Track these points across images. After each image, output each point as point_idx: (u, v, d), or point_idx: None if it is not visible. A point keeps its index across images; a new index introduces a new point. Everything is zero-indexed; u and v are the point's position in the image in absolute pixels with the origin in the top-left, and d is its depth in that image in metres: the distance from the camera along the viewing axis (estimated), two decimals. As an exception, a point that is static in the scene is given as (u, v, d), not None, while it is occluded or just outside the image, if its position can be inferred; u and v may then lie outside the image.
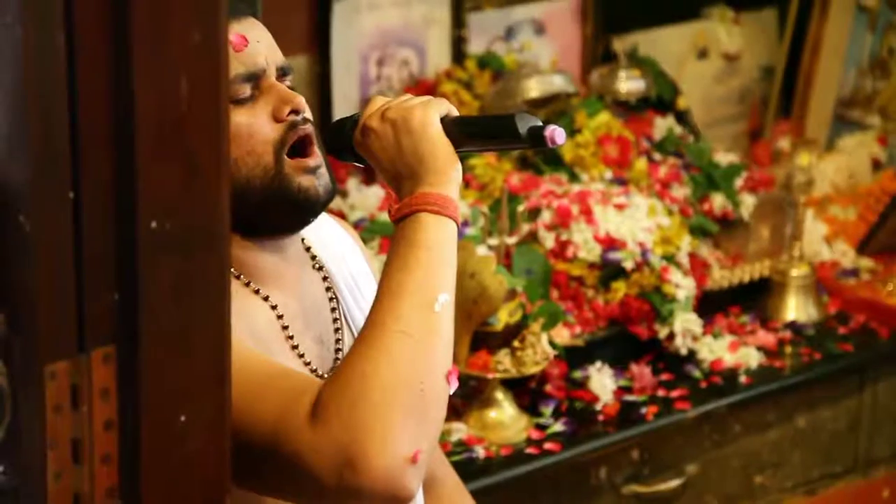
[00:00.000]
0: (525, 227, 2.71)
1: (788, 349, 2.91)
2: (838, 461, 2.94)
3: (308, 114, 1.68)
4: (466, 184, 2.84)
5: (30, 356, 1.19)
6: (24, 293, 1.18)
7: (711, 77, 3.48)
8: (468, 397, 2.59)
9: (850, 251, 3.20)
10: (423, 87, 3.01)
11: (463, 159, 1.63)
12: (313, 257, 1.79)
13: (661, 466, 2.69)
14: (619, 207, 2.79)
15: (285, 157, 1.65)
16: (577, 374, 2.72)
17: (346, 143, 1.67)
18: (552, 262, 2.73)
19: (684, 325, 2.75)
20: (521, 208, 2.67)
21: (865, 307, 3.04)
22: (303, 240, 1.77)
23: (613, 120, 3.01)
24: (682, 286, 2.74)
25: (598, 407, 2.65)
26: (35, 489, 1.21)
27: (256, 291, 1.67)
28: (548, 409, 2.63)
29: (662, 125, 3.12)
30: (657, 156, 3.05)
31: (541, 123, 1.60)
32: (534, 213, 2.77)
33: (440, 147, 1.60)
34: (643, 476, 2.67)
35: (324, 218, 1.83)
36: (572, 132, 2.96)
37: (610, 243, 2.73)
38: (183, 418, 1.24)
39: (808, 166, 3.02)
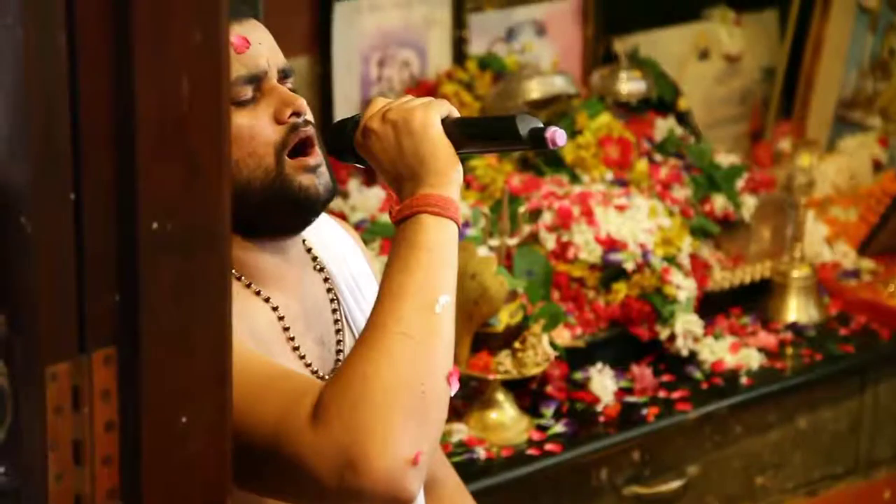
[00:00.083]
0: (526, 229, 2.71)
1: (789, 350, 2.91)
2: (839, 462, 2.94)
3: (309, 116, 1.68)
4: (467, 185, 2.84)
5: (31, 357, 1.19)
6: (25, 294, 1.18)
7: (712, 78, 3.48)
8: (469, 398, 2.59)
9: (851, 252, 3.20)
10: (424, 88, 3.01)
11: (464, 160, 1.63)
12: (314, 258, 1.79)
13: (662, 467, 2.68)
14: (620, 209, 2.79)
15: (286, 157, 1.65)
16: (578, 376, 2.72)
17: (346, 144, 1.68)
18: (553, 263, 2.73)
19: (685, 327, 2.75)
20: (522, 209, 2.67)
21: (866, 308, 3.04)
22: (304, 241, 1.77)
23: (614, 121, 3.01)
24: (683, 287, 2.74)
25: (599, 408, 2.65)
26: (36, 490, 1.21)
27: (257, 293, 1.67)
28: (549, 411, 2.63)
29: (663, 126, 3.12)
30: (658, 157, 3.05)
31: (542, 125, 1.60)
32: (535, 215, 2.77)
33: (441, 148, 1.60)
34: (644, 477, 2.67)
35: (325, 219, 1.83)
36: (573, 133, 2.96)
37: (611, 244, 2.73)
38: (184, 419, 1.24)
39: (809, 167, 3.02)
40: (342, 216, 2.76)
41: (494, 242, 2.61)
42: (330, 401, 1.46)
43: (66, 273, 1.18)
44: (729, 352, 2.84)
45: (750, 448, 2.80)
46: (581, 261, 2.74)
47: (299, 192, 1.65)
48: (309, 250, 1.78)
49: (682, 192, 2.97)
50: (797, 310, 2.99)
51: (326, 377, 1.69)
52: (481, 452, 2.52)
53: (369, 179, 2.91)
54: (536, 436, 2.57)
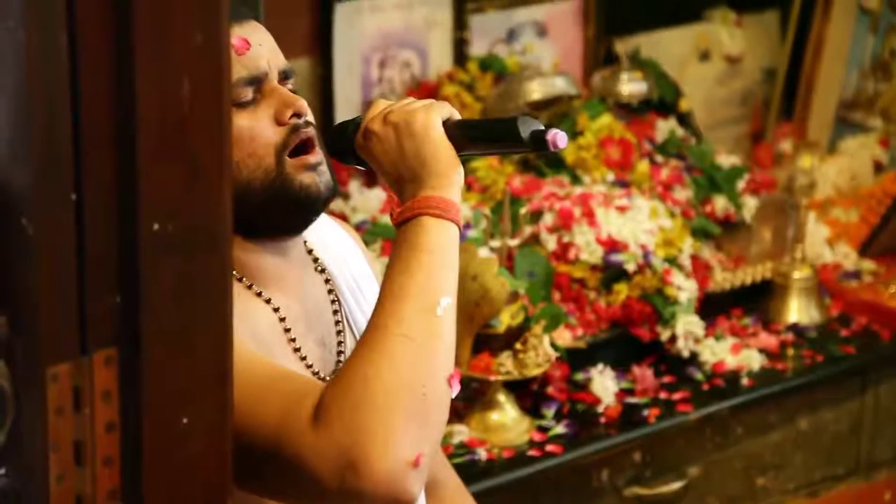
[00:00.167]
0: (527, 230, 2.71)
1: (790, 351, 2.91)
2: (840, 463, 2.94)
3: (310, 117, 1.68)
4: (468, 186, 2.84)
5: (32, 358, 1.19)
6: (26, 295, 1.19)
7: (713, 79, 3.48)
8: (470, 399, 2.59)
9: (851, 253, 3.20)
10: (425, 89, 3.01)
11: (465, 162, 1.63)
12: (315, 259, 1.79)
13: (662, 468, 2.69)
14: (621, 210, 2.79)
15: (286, 157, 1.65)
16: (579, 377, 2.72)
17: (348, 145, 1.68)
18: (554, 264, 2.73)
19: (686, 328, 2.75)
20: (523, 211, 2.67)
21: (867, 309, 3.04)
22: (305, 242, 1.77)
23: (615, 122, 3.01)
24: (684, 288, 2.74)
25: (600, 409, 2.65)
26: (37, 491, 1.21)
27: (258, 294, 1.68)
28: (550, 412, 2.63)
29: (664, 127, 3.12)
30: (659, 158, 3.05)
31: (543, 127, 1.60)
32: (536, 216, 2.77)
33: (442, 150, 1.60)
34: (645, 478, 2.67)
35: (325, 220, 1.83)
36: (574, 134, 2.96)
37: (612, 245, 2.73)
38: (185, 420, 1.24)
39: (809, 168, 3.02)
40: (343, 217, 2.76)
41: (495, 244, 2.61)
42: (331, 402, 1.46)
43: (67, 274, 1.18)
44: (730, 353, 2.84)
45: (751, 449, 2.80)
46: (582, 262, 2.74)
47: (300, 191, 1.65)
48: (310, 251, 1.78)
49: (683, 193, 2.97)
50: (798, 311, 2.99)
51: (327, 378, 1.69)
52: (482, 453, 2.52)
53: (370, 181, 2.91)
54: (537, 437, 2.57)
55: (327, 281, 1.78)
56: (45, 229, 1.17)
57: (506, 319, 2.49)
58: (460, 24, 3.10)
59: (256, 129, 1.64)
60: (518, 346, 2.52)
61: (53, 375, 1.18)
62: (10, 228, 1.18)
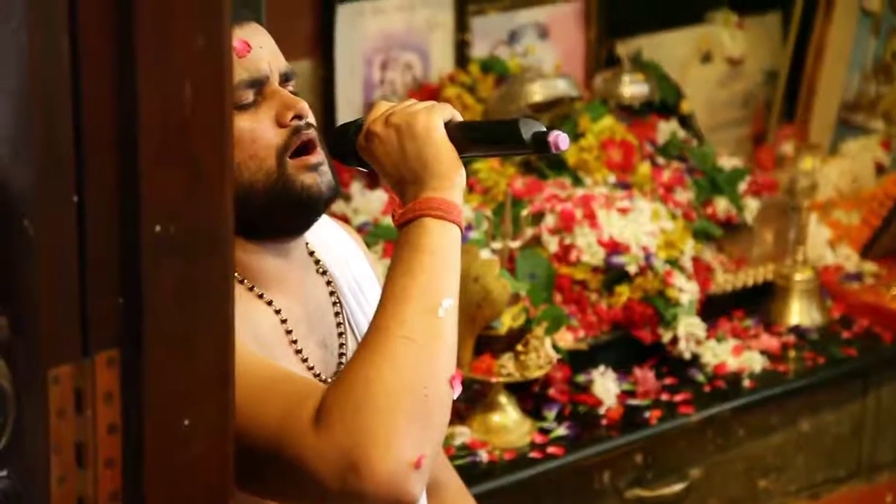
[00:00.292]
0: (528, 231, 2.72)
1: (792, 353, 2.91)
2: (842, 465, 2.94)
3: (311, 119, 1.68)
4: (470, 188, 2.84)
5: (33, 360, 1.19)
6: (27, 296, 1.19)
7: (715, 81, 3.48)
8: (472, 401, 2.59)
9: (853, 255, 3.20)
10: (427, 91, 3.01)
11: (466, 164, 1.63)
12: (317, 261, 1.79)
13: (664, 470, 2.68)
14: (623, 211, 2.79)
15: (288, 159, 1.65)
16: (581, 378, 2.72)
17: (349, 147, 1.68)
18: (555, 266, 2.73)
19: (688, 329, 2.75)
20: (524, 212, 2.67)
21: (869, 311, 3.04)
22: (306, 244, 1.77)
23: (617, 124, 3.01)
24: (686, 290, 2.74)
25: (602, 411, 2.65)
26: (38, 493, 1.21)
27: (260, 296, 1.68)
28: (551, 413, 2.63)
29: (666, 129, 3.12)
30: (661, 160, 3.05)
31: (544, 129, 1.60)
32: (537, 217, 2.77)
33: (444, 152, 1.60)
34: (646, 480, 2.67)
35: (327, 222, 1.83)
36: (576, 136, 2.96)
37: (613, 247, 2.74)
38: (186, 422, 1.24)
39: (811, 170, 3.02)
40: (345, 219, 2.76)
41: (497, 245, 2.61)
42: (332, 404, 1.46)
43: (69, 276, 1.18)
44: (731, 355, 2.84)
45: (752, 451, 2.80)
46: (583, 263, 2.74)
47: (302, 192, 1.66)
48: (311, 253, 1.78)
49: (684, 195, 2.97)
50: (800, 313, 2.99)
51: (329, 380, 1.69)
52: (484, 455, 2.52)
53: (372, 183, 2.91)
54: (539, 439, 2.57)
55: (329, 283, 1.78)
56: (47, 230, 1.17)
57: (507, 321, 2.49)
58: (462, 25, 3.10)
59: (258, 131, 1.64)
60: (519, 347, 2.52)
61: (55, 377, 1.19)
62: (12, 229, 1.18)
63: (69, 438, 1.20)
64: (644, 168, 2.97)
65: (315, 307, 1.74)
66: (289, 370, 1.57)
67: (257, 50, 1.65)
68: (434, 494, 1.91)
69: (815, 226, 3.15)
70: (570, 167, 2.94)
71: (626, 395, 2.71)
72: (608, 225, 2.75)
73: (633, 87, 3.11)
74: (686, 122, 3.19)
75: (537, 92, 2.94)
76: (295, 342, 1.69)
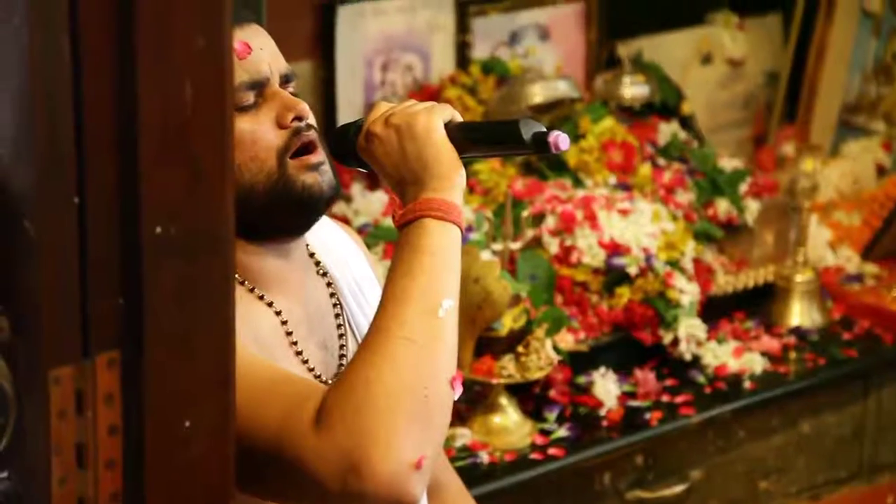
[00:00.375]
0: (529, 233, 2.71)
1: (793, 355, 2.91)
2: (843, 467, 2.94)
3: (312, 120, 1.68)
4: (470, 189, 2.84)
5: (34, 361, 1.19)
6: (28, 297, 1.19)
7: (716, 82, 3.48)
8: (472, 402, 2.59)
9: (854, 257, 3.20)
10: (427, 92, 3.01)
11: (467, 165, 1.63)
12: (317, 263, 1.79)
13: (665, 472, 2.68)
14: (624, 213, 2.79)
15: (288, 159, 1.65)
16: (581, 380, 2.72)
17: (349, 148, 1.68)
18: (556, 267, 2.73)
19: (688, 331, 2.75)
20: (525, 213, 2.67)
21: (870, 313, 3.04)
22: (307, 245, 1.77)
23: (617, 125, 3.01)
24: (687, 291, 2.74)
25: (602, 412, 2.65)
26: (39, 494, 1.21)
27: (261, 297, 1.67)
28: (552, 415, 2.63)
29: (667, 130, 3.12)
30: (661, 161, 3.05)
31: (545, 129, 1.60)
32: (538, 219, 2.77)
33: (444, 152, 1.60)
34: (647, 482, 2.66)
35: (327, 223, 1.83)
36: (576, 137, 2.96)
37: (614, 248, 2.73)
38: (187, 423, 1.24)
39: (812, 172, 3.02)
40: (345, 220, 2.76)
41: (497, 247, 2.61)
42: (333, 405, 1.46)
43: (70, 276, 1.18)
44: (732, 356, 2.84)
45: (753, 452, 2.80)
46: (584, 265, 2.74)
47: (303, 191, 1.65)
48: (312, 254, 1.78)
49: (685, 197, 2.97)
50: (800, 314, 2.99)
51: (329, 381, 1.69)
52: (484, 457, 2.52)
53: (372, 184, 2.91)
54: (539, 440, 2.56)
55: (329, 284, 1.78)
56: (48, 231, 1.17)
57: (508, 322, 2.49)
58: (462, 27, 3.10)
59: (258, 132, 1.64)
60: (520, 349, 2.52)
61: (56, 378, 1.18)
62: (13, 230, 1.18)
63: (70, 439, 1.20)
64: (645, 169, 2.97)
65: (315, 308, 1.74)
66: (289, 371, 1.57)
67: (258, 51, 1.65)
68: (435, 496, 1.91)
69: (815, 227, 3.15)
70: (570, 168, 2.94)
71: (626, 396, 2.71)
72: (609, 226, 2.75)
73: (633, 89, 3.11)
74: (687, 123, 3.19)
75: (538, 93, 2.94)
76: (295, 343, 1.69)
